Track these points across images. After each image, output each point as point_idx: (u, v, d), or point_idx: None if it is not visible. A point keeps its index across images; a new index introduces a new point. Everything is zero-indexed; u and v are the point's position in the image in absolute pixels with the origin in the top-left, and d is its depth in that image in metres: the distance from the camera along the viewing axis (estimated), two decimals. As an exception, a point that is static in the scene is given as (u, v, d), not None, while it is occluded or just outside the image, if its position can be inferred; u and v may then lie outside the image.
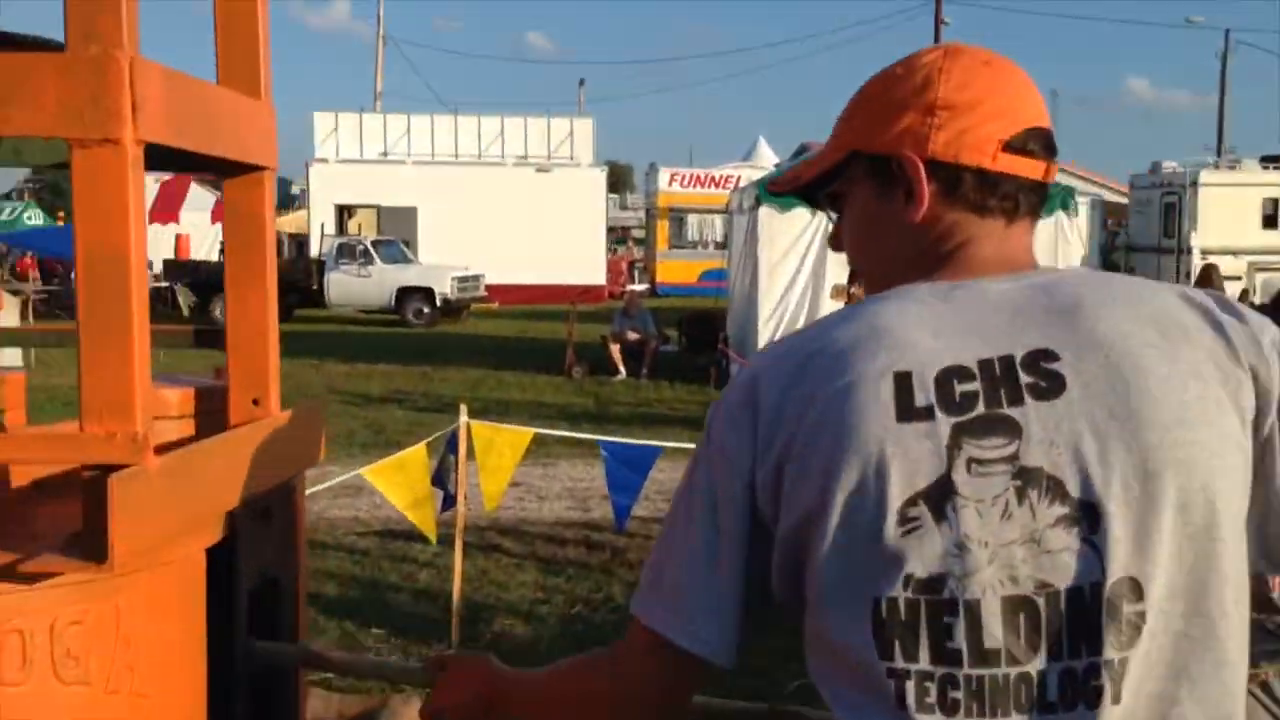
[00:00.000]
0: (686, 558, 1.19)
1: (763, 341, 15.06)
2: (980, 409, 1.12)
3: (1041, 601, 1.09)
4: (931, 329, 1.15)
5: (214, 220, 31.27)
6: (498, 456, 5.91)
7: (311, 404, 1.88)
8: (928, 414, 1.11)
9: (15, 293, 18.50)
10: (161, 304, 24.08)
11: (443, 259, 26.51)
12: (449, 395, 13.95)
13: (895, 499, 1.10)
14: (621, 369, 15.95)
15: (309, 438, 1.85)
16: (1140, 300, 1.17)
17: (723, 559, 1.18)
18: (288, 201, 38.93)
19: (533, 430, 6.26)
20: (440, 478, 5.97)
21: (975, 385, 1.12)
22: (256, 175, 1.77)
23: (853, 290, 11.37)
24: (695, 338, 16.46)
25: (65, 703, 1.37)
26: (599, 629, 5.82)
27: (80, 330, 1.35)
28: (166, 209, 25.54)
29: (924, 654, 1.09)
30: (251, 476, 1.63)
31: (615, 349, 16.09)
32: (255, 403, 1.74)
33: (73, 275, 1.48)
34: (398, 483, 5.74)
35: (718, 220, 28.93)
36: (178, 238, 27.06)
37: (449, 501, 5.98)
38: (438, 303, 24.60)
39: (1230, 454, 1.14)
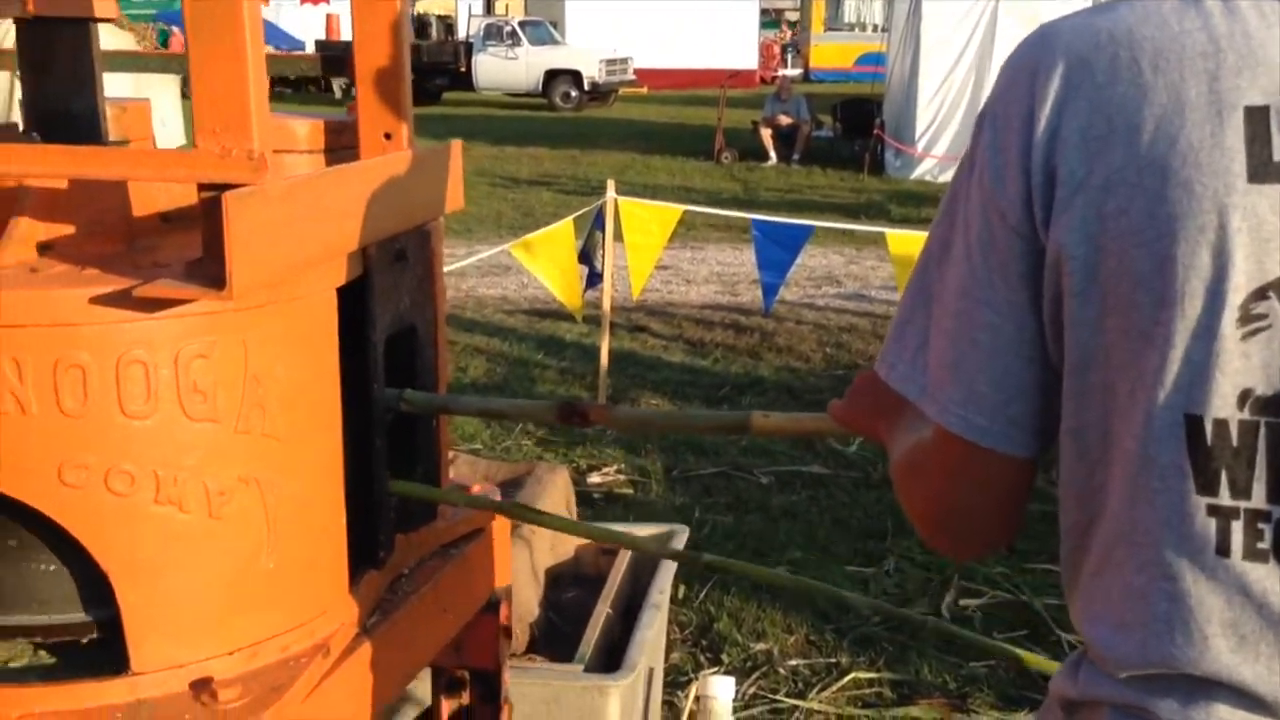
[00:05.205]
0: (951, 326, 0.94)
1: (920, 129, 14.39)
2: None
3: None
4: None
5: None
6: (645, 235, 5.79)
7: (446, 145, 1.74)
8: None
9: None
10: (315, 88, 24.20)
11: (591, 41, 26.00)
12: (596, 178, 13.82)
13: (1237, 290, 0.82)
14: (773, 154, 15.55)
15: (446, 179, 1.72)
16: None
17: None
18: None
19: (681, 208, 6.09)
20: (587, 254, 5.88)
21: None
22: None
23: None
24: (850, 123, 15.84)
25: (193, 440, 1.30)
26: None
27: (189, 38, 1.22)
28: (316, -12, 25.39)
29: (1259, 490, 0.83)
30: (383, 213, 1.51)
31: (767, 133, 15.66)
32: (387, 137, 1.61)
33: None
34: (544, 258, 5.69)
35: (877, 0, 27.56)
36: (328, 18, 26.96)
37: (595, 279, 5.91)
38: (585, 86, 24.25)
39: None
